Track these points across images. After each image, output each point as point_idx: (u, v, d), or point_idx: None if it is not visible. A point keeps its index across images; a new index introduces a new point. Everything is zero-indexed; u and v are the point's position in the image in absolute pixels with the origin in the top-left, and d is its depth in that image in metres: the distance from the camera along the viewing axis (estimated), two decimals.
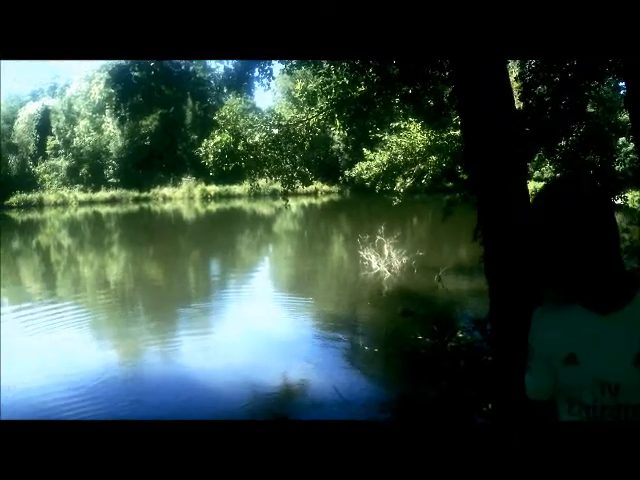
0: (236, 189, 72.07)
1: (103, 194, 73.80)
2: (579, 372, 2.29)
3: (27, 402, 9.73)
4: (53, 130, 79.72)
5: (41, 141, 78.98)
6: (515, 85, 14.24)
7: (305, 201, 62.48)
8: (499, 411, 7.39)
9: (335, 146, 75.20)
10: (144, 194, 73.89)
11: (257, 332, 14.49)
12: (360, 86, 13.94)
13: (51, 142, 79.22)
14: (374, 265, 20.66)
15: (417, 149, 20.84)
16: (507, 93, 7.44)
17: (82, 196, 72.98)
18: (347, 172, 36.09)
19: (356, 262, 21.62)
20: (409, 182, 21.48)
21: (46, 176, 76.64)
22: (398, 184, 21.56)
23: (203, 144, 18.70)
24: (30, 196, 70.19)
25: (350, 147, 67.66)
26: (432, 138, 20.28)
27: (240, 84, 15.11)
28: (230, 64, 15.17)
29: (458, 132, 16.39)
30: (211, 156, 17.48)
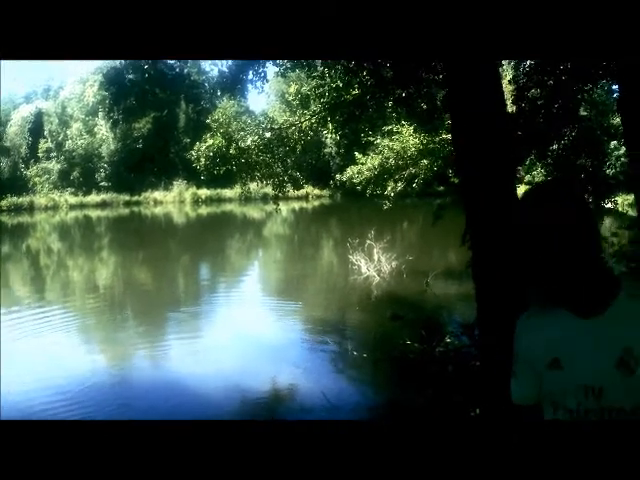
0: (227, 193, 72.25)
1: (94, 198, 73.76)
2: (563, 376, 2.29)
3: (14, 406, 9.63)
4: (46, 133, 79.76)
5: (33, 144, 78.91)
6: (508, 88, 14.25)
7: (296, 205, 62.68)
8: (487, 416, 7.37)
9: (327, 150, 75.43)
10: (135, 198, 73.94)
11: (246, 336, 14.49)
12: (354, 89, 13.94)
13: (43, 145, 79.18)
14: (363, 269, 20.68)
15: (409, 153, 20.90)
16: (499, 96, 7.43)
17: (73, 199, 72.88)
18: (338, 176, 36.07)
19: (346, 266, 21.63)
20: (400, 186, 21.54)
21: (37, 179, 76.54)
22: (389, 188, 21.64)
23: (195, 147, 18.71)
24: (21, 199, 69.95)
25: (342, 151, 67.76)
26: (424, 142, 20.36)
27: (234, 87, 15.08)
28: (224, 67, 15.17)
29: (450, 136, 16.47)
30: (203, 160, 17.46)
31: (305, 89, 17.81)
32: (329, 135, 18.21)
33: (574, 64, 11.45)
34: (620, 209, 17.68)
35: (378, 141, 22.61)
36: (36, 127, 79.42)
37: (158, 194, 74.73)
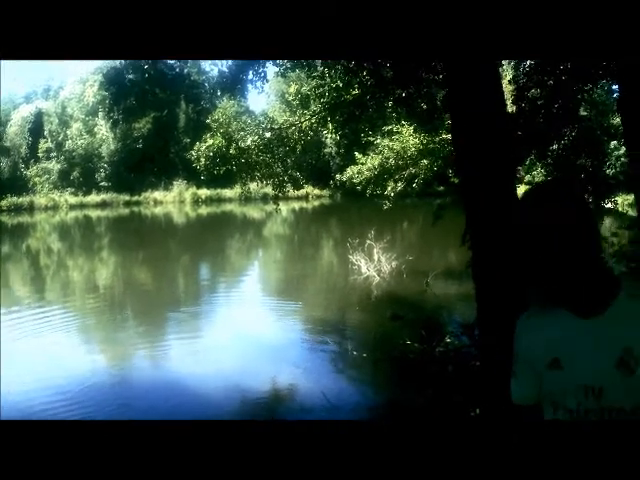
0: (227, 193, 72.22)
1: (94, 198, 73.69)
2: (563, 376, 2.29)
3: (14, 406, 9.62)
4: (46, 133, 79.69)
5: (33, 144, 78.82)
6: (508, 88, 14.24)
7: (296, 205, 62.67)
8: (487, 416, 7.37)
9: (327, 150, 75.39)
10: (135, 198, 73.89)
11: (246, 336, 14.49)
12: (354, 89, 13.94)
13: (43, 145, 79.10)
14: (363, 269, 20.68)
15: (409, 153, 20.89)
16: (499, 96, 7.43)
17: (73, 200, 72.84)
18: (338, 176, 36.09)
19: (346, 266, 21.63)
20: (400, 186, 21.53)
21: (37, 179, 76.46)
22: (389, 188, 21.64)
23: (195, 147, 18.71)
24: (21, 199, 69.89)
25: (342, 151, 67.69)
26: (424, 142, 20.35)
27: (234, 87, 15.08)
28: (224, 67, 15.17)
29: (450, 136, 16.47)
30: (203, 160, 17.46)
31: (305, 89, 17.81)
32: (329, 135, 18.21)
33: (574, 64, 11.46)
34: (620, 209, 17.68)
35: (378, 141, 22.61)
36: (36, 127, 79.33)
37: (158, 194, 74.68)
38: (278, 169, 17.91)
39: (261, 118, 20.76)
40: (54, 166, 77.55)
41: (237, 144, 16.53)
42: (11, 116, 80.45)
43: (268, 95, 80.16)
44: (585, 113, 15.12)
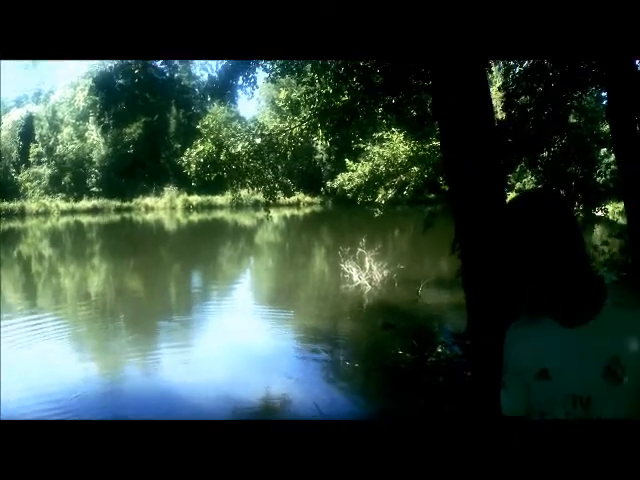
0: (218, 200, 72.33)
1: (85, 203, 73.62)
2: (551, 387, 2.30)
3: (5, 414, 9.57)
4: (36, 137, 79.56)
5: (24, 148, 78.62)
6: (498, 95, 14.24)
7: (287, 212, 62.87)
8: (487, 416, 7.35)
9: (318, 156, 75.60)
10: (126, 204, 73.91)
11: (238, 346, 14.47)
12: (343, 95, 13.95)
13: (34, 149, 78.98)
14: (355, 278, 20.71)
15: (399, 160, 20.92)
16: (487, 103, 7.40)
17: (64, 205, 72.79)
18: (329, 183, 36.25)
19: (337, 275, 21.67)
20: (391, 193, 21.56)
21: (28, 184, 76.35)
22: (380, 195, 21.66)
23: (186, 153, 18.66)
24: (12, 205, 69.80)
25: (333, 157, 67.87)
26: (414, 149, 20.38)
27: (224, 92, 15.12)
28: (214, 72, 15.18)
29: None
30: (193, 166, 17.41)
31: (295, 95, 17.83)
32: (320, 142, 18.22)
33: (563, 71, 11.49)
34: (611, 217, 17.68)
35: (368, 148, 22.66)
36: (27, 131, 79.17)
37: (149, 200, 74.71)
38: (269, 176, 17.92)
39: (251, 124, 20.71)
40: (45, 171, 77.48)
41: (227, 150, 16.50)
42: (1, 120, 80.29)
43: (259, 101, 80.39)
44: (575, 120, 15.15)
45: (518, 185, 27.65)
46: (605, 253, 11.89)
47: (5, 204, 68.83)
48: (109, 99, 76.37)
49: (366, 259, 21.28)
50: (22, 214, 69.12)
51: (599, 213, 14.25)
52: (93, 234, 52.76)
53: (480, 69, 7.61)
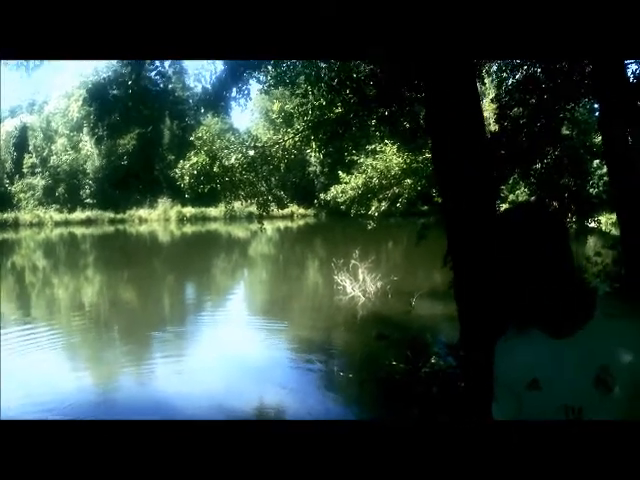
0: (212, 211, 72.07)
1: (79, 215, 73.47)
2: (542, 397, 2.30)
3: None
4: (30, 148, 79.39)
5: (18, 159, 78.52)
6: (491, 107, 14.27)
7: (281, 224, 62.75)
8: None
9: (311, 168, 75.49)
10: (120, 215, 73.72)
11: (232, 356, 14.44)
12: (337, 107, 13.98)
13: (28, 160, 78.80)
14: (349, 290, 20.69)
15: (392, 172, 20.92)
16: (478, 116, 7.44)
17: (58, 216, 72.60)
18: (322, 195, 36.24)
19: (331, 286, 21.65)
20: (384, 206, 21.56)
21: (22, 195, 76.19)
22: (373, 207, 21.66)
23: (179, 165, 18.68)
24: (5, 215, 69.62)
25: (326, 170, 67.79)
26: (408, 161, 20.37)
27: (217, 104, 15.13)
28: (208, 84, 15.19)
29: None
30: (187, 177, 17.41)
31: (288, 107, 17.86)
32: (313, 154, 18.23)
33: (556, 83, 11.54)
34: (604, 228, 17.70)
35: (362, 160, 22.68)
36: (21, 142, 79.05)
37: (143, 212, 74.54)
38: (262, 188, 17.90)
39: (245, 136, 20.71)
40: (39, 182, 77.31)
41: (221, 162, 16.50)
42: None
43: (252, 112, 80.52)
44: (567, 132, 15.19)
45: (511, 197, 27.70)
46: (598, 264, 11.92)
47: None
48: (103, 110, 76.28)
49: (360, 271, 21.25)
50: (16, 225, 68.99)
51: (592, 224, 14.27)
52: (87, 245, 52.70)
53: (471, 80, 7.66)
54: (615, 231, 14.35)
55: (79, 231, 63.65)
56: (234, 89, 14.54)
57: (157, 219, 73.19)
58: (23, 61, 12.18)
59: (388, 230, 39.29)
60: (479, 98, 8.15)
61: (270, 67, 14.29)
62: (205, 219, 72.56)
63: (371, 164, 21.81)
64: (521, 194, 23.85)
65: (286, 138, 16.69)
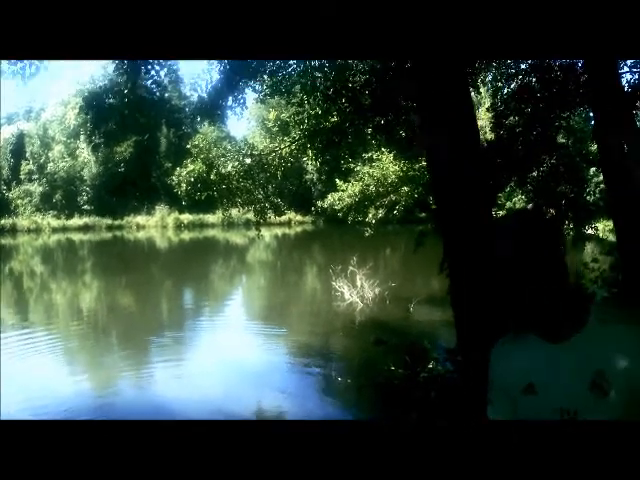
0: (209, 218, 71.84)
1: (76, 221, 73.19)
2: (537, 401, 2.31)
3: None
4: (27, 155, 79.13)
5: (15, 165, 78.25)
6: (487, 116, 14.31)
7: (279, 231, 62.58)
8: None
9: (308, 176, 75.35)
10: (117, 222, 73.43)
11: (231, 361, 14.46)
12: (332, 116, 13.99)
13: (25, 167, 78.57)
14: (347, 296, 20.67)
15: (389, 180, 20.92)
16: (472, 124, 7.50)
17: (55, 222, 72.36)
18: (320, 202, 36.13)
19: (329, 293, 21.65)
20: (381, 213, 21.57)
21: (20, 201, 75.92)
22: (370, 215, 21.65)
23: (176, 173, 18.65)
24: (3, 221, 69.44)
25: (323, 177, 67.70)
26: (404, 169, 20.36)
27: (213, 113, 15.12)
28: (204, 92, 15.19)
29: None
30: (184, 185, 17.39)
31: (284, 116, 17.86)
32: (310, 162, 18.23)
33: (551, 92, 11.60)
34: (601, 235, 17.73)
35: (358, 168, 22.69)
36: (18, 149, 78.74)
37: (140, 218, 74.23)
38: (259, 195, 17.88)
39: (241, 144, 20.64)
40: (36, 188, 77.04)
41: (218, 170, 16.50)
42: None
43: (249, 121, 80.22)
44: (563, 140, 15.24)
45: (508, 204, 27.74)
46: (595, 270, 11.93)
47: None
48: (99, 118, 75.86)
49: (357, 277, 21.21)
50: (13, 231, 68.78)
51: (589, 231, 14.31)
52: (85, 251, 52.49)
53: (464, 87, 7.72)
54: (612, 237, 14.39)
55: (77, 237, 63.41)
56: (230, 98, 14.55)
57: (155, 226, 72.87)
58: (19, 69, 12.16)
59: (386, 237, 39.26)
60: (473, 104, 8.20)
61: (266, 76, 14.25)
62: (203, 226, 72.28)
63: (368, 172, 21.82)
64: (518, 201, 23.87)
65: (282, 146, 16.69)
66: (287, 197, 58.29)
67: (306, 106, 14.58)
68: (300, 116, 14.95)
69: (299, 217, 74.30)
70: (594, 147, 13.28)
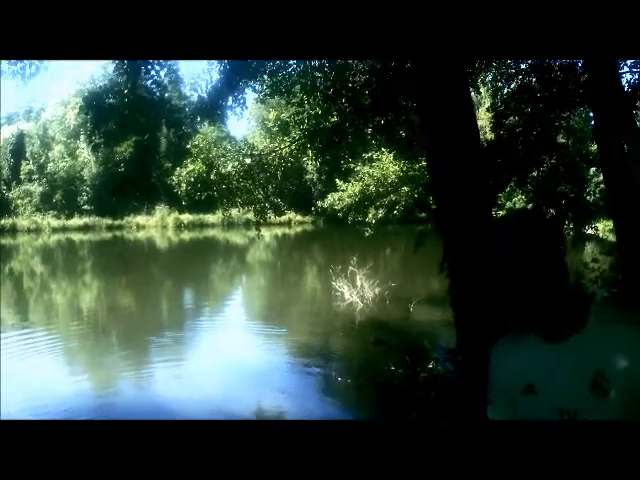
0: (209, 218, 71.88)
1: (76, 221, 73.27)
2: (537, 401, 2.31)
3: None
4: (27, 155, 79.18)
5: (15, 165, 78.31)
6: (487, 116, 14.31)
7: (279, 231, 62.60)
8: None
9: (309, 176, 75.38)
10: (117, 222, 73.49)
11: (231, 361, 14.46)
12: (332, 116, 13.99)
13: (25, 167, 78.63)
14: (347, 296, 20.68)
15: (389, 180, 20.93)
16: (472, 124, 7.50)
17: (55, 222, 72.44)
18: (320, 202, 36.17)
19: (329, 293, 21.66)
20: (381, 213, 21.58)
21: (20, 201, 75.97)
22: (370, 215, 21.67)
23: (176, 173, 18.65)
24: (3, 221, 69.54)
25: (324, 177, 67.71)
26: (404, 169, 20.37)
27: (213, 113, 15.11)
28: (203, 93, 15.19)
29: None
30: (184, 185, 17.39)
31: (284, 116, 17.86)
32: (310, 162, 18.23)
33: (551, 92, 11.60)
34: (601, 234, 17.74)
35: (358, 168, 22.69)
36: (18, 148, 78.78)
37: (140, 218, 74.27)
38: (259, 195, 17.87)
39: (241, 144, 20.62)
40: (36, 188, 77.12)
41: (218, 170, 16.50)
42: None
43: (249, 121, 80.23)
44: (563, 140, 15.24)
45: (508, 204, 27.76)
46: (596, 270, 11.93)
47: None
48: (99, 118, 75.79)
49: (357, 277, 21.21)
50: (13, 231, 68.84)
51: (589, 231, 14.31)
52: (85, 251, 52.53)
53: (464, 86, 7.72)
54: (612, 237, 14.40)
55: (77, 237, 63.45)
56: (230, 98, 14.56)
57: (155, 226, 72.91)
58: (19, 69, 12.17)
59: (386, 237, 39.28)
60: (473, 104, 8.20)
61: (266, 76, 14.26)
62: (203, 226, 72.30)
63: (368, 172, 21.83)
64: (518, 201, 23.88)
65: (282, 146, 16.70)
66: (287, 197, 58.32)
67: (306, 106, 14.59)
68: (300, 116, 14.96)
69: (299, 217, 74.33)
70: (594, 147, 13.30)
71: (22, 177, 78.34)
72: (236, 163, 16.61)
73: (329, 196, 25.59)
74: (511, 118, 12.51)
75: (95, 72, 76.06)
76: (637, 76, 12.27)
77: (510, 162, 11.71)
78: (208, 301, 26.07)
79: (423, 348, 12.63)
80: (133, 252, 50.97)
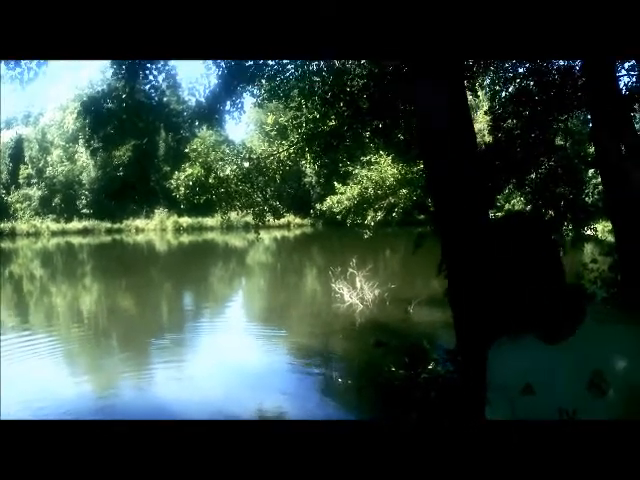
0: (208, 221, 71.85)
1: (76, 225, 73.35)
2: (536, 401, 2.32)
3: None
4: (26, 159, 79.13)
5: (14, 170, 78.29)
6: (485, 119, 14.34)
7: (278, 234, 62.48)
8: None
9: (307, 179, 75.33)
10: (117, 225, 73.53)
11: (231, 363, 14.46)
12: (330, 120, 14.01)
13: (24, 171, 78.61)
14: (346, 297, 20.67)
15: (387, 182, 20.92)
16: (468, 126, 7.51)
17: (54, 226, 72.53)
18: (318, 205, 36.19)
19: (328, 294, 21.63)
20: (380, 215, 21.56)
21: (18, 205, 76.01)
22: (369, 217, 21.66)
23: (175, 176, 18.70)
24: (2, 225, 69.56)
25: (322, 180, 67.67)
26: (402, 172, 20.36)
27: (211, 117, 15.12)
28: (202, 97, 15.21)
29: None
30: (182, 189, 17.42)
31: (283, 120, 17.86)
32: (308, 165, 18.23)
33: (549, 95, 11.64)
34: (600, 235, 17.74)
35: (357, 171, 22.67)
36: (16, 153, 78.77)
37: (140, 222, 74.30)
38: (258, 198, 17.87)
39: (239, 148, 20.60)
40: (35, 192, 77.16)
41: (216, 173, 16.52)
42: None
43: (247, 125, 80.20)
44: (561, 142, 15.27)
45: (507, 206, 27.74)
46: (595, 271, 11.94)
47: None
48: (97, 122, 75.14)
49: (357, 279, 21.20)
50: (12, 235, 68.99)
51: (588, 232, 14.33)
52: (84, 255, 52.50)
53: (461, 89, 7.74)
54: (611, 238, 14.43)
55: (76, 240, 63.47)
56: (228, 102, 14.59)
57: (154, 229, 72.95)
58: (18, 74, 12.16)
59: (385, 239, 39.20)
60: (468, 106, 8.20)
61: (264, 81, 14.27)
62: (202, 229, 72.33)
63: (366, 175, 21.81)
64: (517, 203, 23.87)
65: (281, 150, 16.70)
66: (286, 200, 58.23)
67: (304, 110, 14.61)
68: (298, 120, 14.98)
69: (298, 220, 74.36)
70: (592, 149, 13.34)
71: (21, 181, 78.32)
72: (234, 167, 16.64)
73: (328, 199, 25.51)
74: (509, 121, 12.55)
75: (93, 77, 75.85)
76: (634, 79, 12.33)
77: (508, 164, 11.74)
78: (208, 303, 26.08)
79: (423, 349, 12.63)
80: (132, 255, 50.95)
